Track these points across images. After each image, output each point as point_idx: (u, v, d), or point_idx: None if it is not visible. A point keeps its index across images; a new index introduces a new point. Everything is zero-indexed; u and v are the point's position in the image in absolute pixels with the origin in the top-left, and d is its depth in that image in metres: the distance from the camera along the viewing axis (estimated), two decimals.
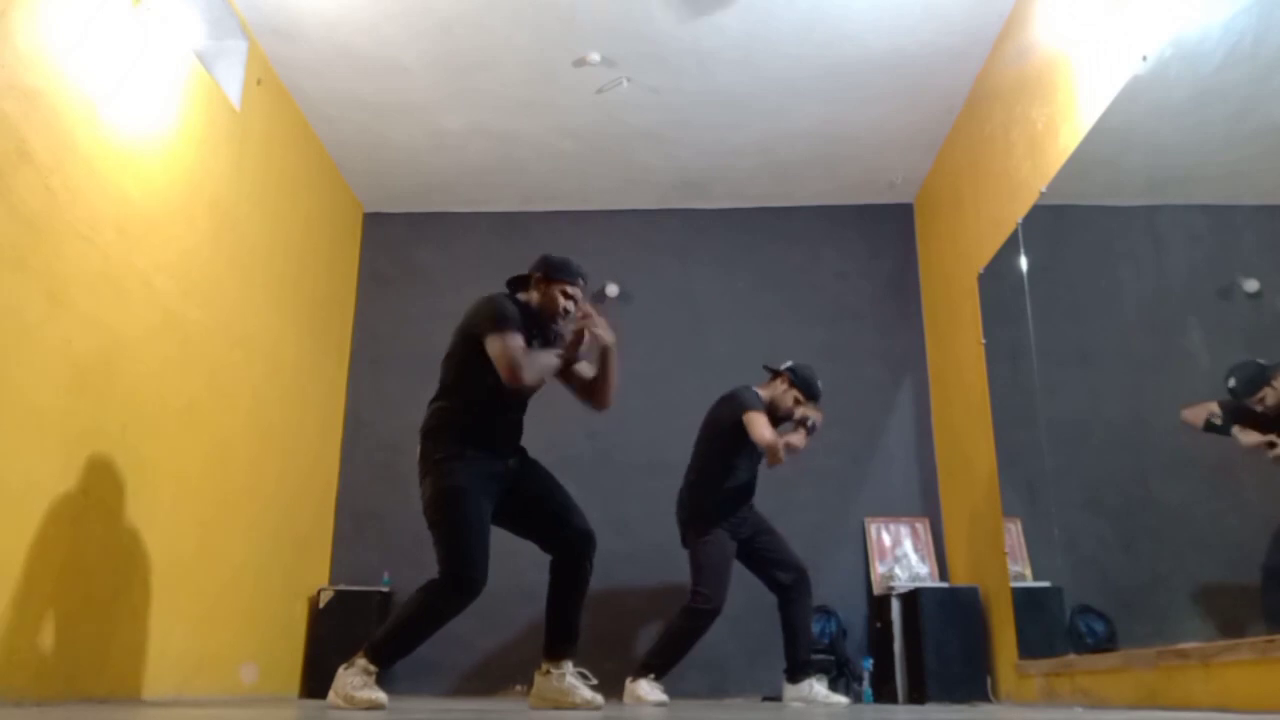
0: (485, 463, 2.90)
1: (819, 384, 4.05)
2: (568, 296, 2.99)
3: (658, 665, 3.85)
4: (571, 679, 2.90)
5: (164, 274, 3.50)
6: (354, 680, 2.72)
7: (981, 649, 4.24)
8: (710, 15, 4.10)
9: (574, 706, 2.84)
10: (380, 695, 2.69)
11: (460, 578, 2.77)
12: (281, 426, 4.53)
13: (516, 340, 2.80)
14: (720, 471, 3.98)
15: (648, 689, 3.76)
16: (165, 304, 3.50)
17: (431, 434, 2.94)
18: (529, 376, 2.79)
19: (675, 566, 5.01)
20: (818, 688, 3.88)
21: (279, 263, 4.52)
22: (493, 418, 2.94)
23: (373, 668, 2.74)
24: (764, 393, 4.03)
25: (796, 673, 3.90)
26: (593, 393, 3.09)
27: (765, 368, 4.14)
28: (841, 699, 3.93)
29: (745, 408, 3.88)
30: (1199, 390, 2.70)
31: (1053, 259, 3.69)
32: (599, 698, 2.91)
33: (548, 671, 2.92)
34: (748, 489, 4.05)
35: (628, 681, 3.83)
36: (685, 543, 4.01)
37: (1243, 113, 2.51)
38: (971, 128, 4.60)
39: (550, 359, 2.92)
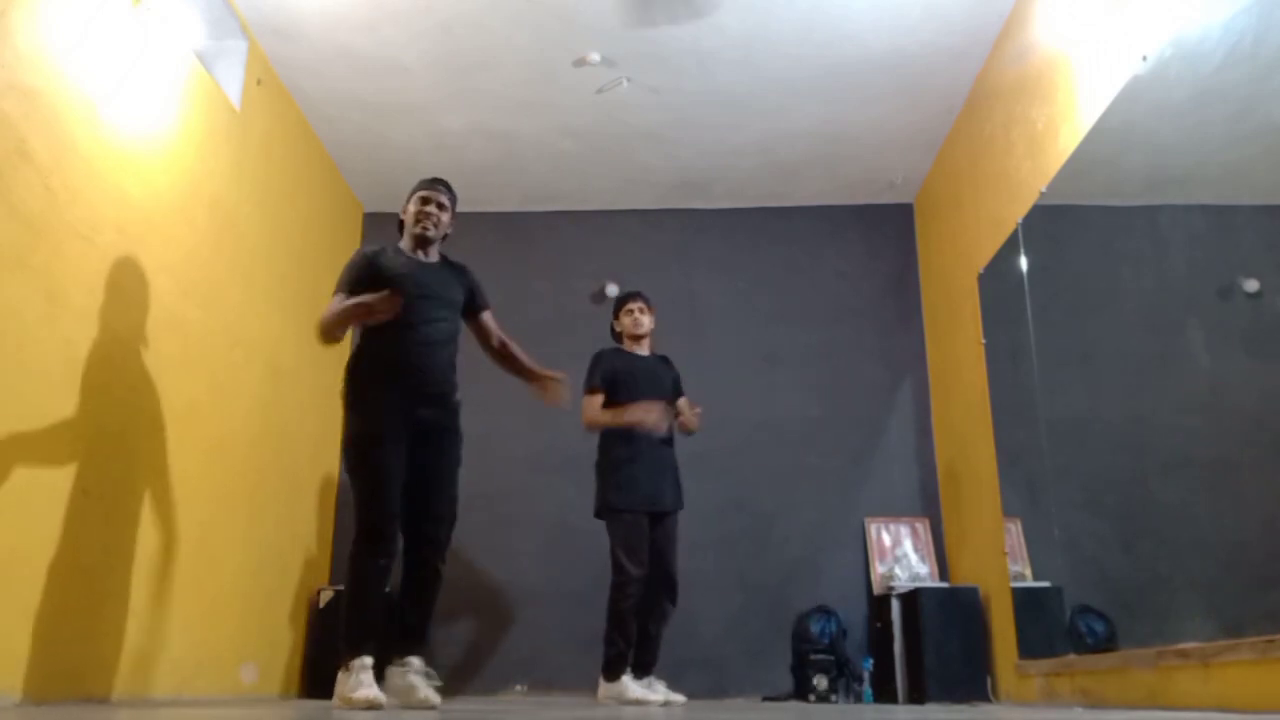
0: (397, 402, 2.93)
1: (627, 291, 4.21)
2: (424, 203, 3.14)
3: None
4: (414, 677, 2.84)
5: (164, 274, 3.50)
6: (350, 682, 2.72)
7: (981, 649, 4.24)
8: (699, 20, 4.11)
9: (408, 705, 2.80)
10: (375, 693, 2.69)
11: (371, 528, 2.81)
12: (281, 426, 4.53)
13: (334, 301, 2.98)
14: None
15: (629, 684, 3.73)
16: (165, 304, 3.50)
17: (348, 371, 3.04)
18: (319, 326, 2.95)
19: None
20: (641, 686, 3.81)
21: (279, 262, 4.52)
22: (400, 347, 2.97)
23: (361, 660, 2.75)
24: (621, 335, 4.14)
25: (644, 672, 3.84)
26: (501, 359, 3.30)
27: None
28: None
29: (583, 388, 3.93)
30: (1199, 390, 2.70)
31: (1053, 259, 3.69)
32: (436, 698, 2.83)
33: (395, 665, 2.90)
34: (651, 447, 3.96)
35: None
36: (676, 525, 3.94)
37: (1243, 113, 2.51)
38: (971, 128, 4.60)
39: (335, 309, 2.95)
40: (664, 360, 4.13)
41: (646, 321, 4.10)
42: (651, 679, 3.83)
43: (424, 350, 3.01)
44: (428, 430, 3.00)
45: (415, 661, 2.88)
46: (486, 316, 3.28)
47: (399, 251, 3.12)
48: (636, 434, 3.81)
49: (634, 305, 4.12)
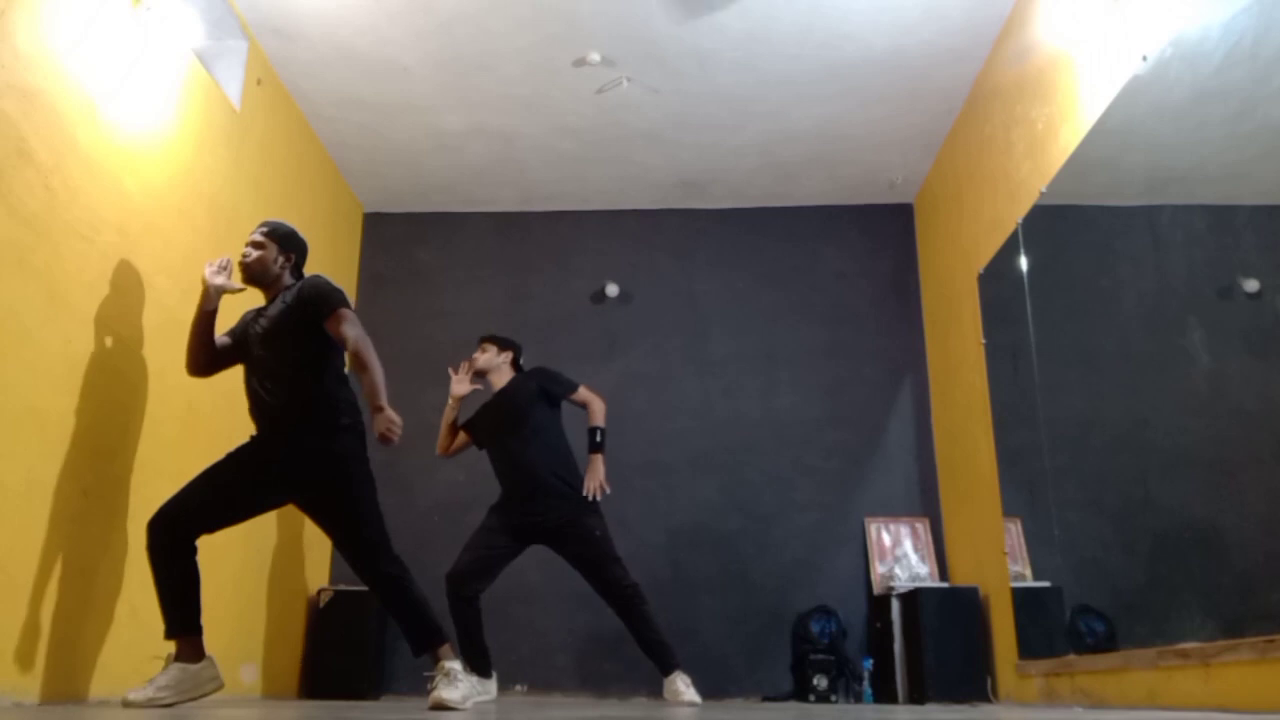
0: (248, 446, 3.07)
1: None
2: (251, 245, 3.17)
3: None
4: (440, 679, 2.87)
5: (164, 274, 3.50)
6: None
7: (981, 649, 4.24)
8: (708, 15, 4.10)
9: (434, 706, 2.83)
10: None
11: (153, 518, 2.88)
12: None
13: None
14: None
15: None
16: (165, 304, 3.50)
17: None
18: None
19: (675, 565, 5.03)
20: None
21: None
22: (249, 398, 3.09)
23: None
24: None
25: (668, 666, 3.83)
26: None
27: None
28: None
29: (576, 385, 4.11)
30: (1199, 390, 2.70)
31: (1053, 259, 3.69)
32: (453, 696, 2.84)
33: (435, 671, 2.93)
34: None
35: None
36: (591, 531, 3.84)
37: (1243, 113, 2.51)
38: (971, 128, 4.61)
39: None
40: (524, 380, 4.11)
41: (481, 360, 4.14)
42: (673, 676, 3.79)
43: (260, 392, 3.08)
44: (288, 465, 3.04)
45: (447, 664, 2.89)
46: (330, 325, 3.04)
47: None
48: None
49: (480, 346, 4.22)
